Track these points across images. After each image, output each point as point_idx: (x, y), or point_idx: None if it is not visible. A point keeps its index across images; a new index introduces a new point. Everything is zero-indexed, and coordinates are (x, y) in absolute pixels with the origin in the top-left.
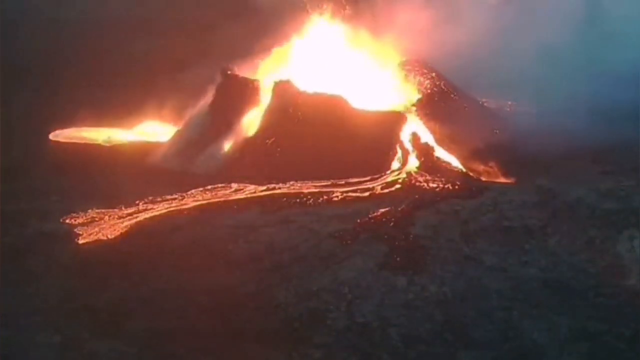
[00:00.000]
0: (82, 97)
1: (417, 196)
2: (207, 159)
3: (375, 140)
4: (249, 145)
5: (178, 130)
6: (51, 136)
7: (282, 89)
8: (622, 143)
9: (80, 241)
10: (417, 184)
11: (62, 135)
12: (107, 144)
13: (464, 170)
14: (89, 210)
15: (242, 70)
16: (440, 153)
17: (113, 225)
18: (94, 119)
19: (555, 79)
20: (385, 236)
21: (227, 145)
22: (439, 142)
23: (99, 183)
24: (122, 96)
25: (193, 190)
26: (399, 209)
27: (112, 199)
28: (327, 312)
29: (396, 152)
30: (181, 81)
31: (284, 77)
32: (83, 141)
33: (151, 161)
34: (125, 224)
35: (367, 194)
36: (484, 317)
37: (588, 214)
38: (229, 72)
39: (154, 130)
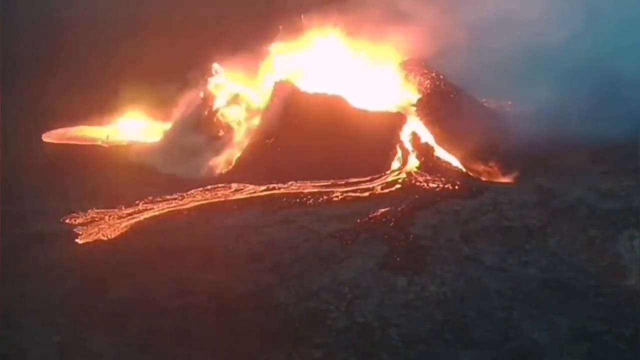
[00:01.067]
0: (72, 97)
1: (417, 196)
2: (198, 164)
3: (375, 140)
4: (249, 145)
5: (168, 132)
6: (44, 137)
7: (282, 89)
8: (622, 143)
9: (80, 241)
10: (417, 184)
11: (55, 135)
12: (105, 145)
13: (464, 170)
14: (89, 210)
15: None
16: (440, 153)
17: (113, 225)
18: (84, 117)
19: (555, 78)
20: (385, 236)
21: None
22: (439, 142)
23: (98, 183)
24: (110, 95)
25: (193, 190)
26: (399, 209)
27: (111, 199)
28: (327, 312)
29: (396, 152)
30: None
31: (284, 77)
32: (78, 142)
33: (141, 162)
34: (125, 224)
35: (367, 194)
36: (484, 317)
37: (588, 214)
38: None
39: (141, 128)
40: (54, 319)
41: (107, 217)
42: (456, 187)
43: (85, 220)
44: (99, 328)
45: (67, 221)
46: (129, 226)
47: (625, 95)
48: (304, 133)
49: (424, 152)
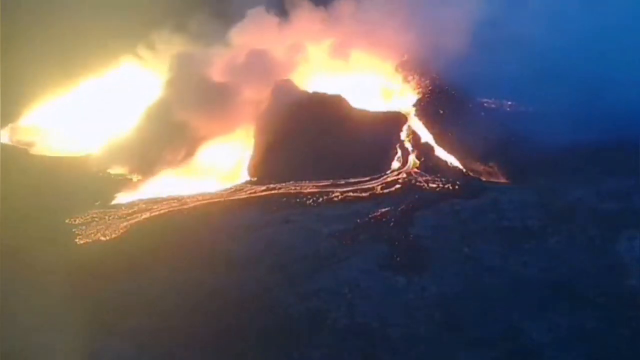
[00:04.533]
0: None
1: (417, 196)
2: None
3: (375, 140)
4: (249, 146)
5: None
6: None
7: (281, 88)
8: (622, 143)
9: (80, 241)
10: (417, 184)
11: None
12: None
13: (464, 170)
14: (89, 210)
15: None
16: (440, 153)
17: (113, 225)
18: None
19: (555, 79)
20: (385, 236)
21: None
22: (439, 142)
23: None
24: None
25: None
26: (399, 209)
27: (110, 199)
28: (327, 312)
29: (396, 152)
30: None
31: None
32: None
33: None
34: (125, 224)
35: (367, 194)
36: (484, 317)
37: (588, 214)
38: None
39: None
40: (54, 319)
41: (107, 217)
42: (456, 187)
43: (85, 220)
44: (99, 328)
45: (67, 221)
46: (128, 226)
47: (627, 94)
48: (304, 133)
49: (424, 152)
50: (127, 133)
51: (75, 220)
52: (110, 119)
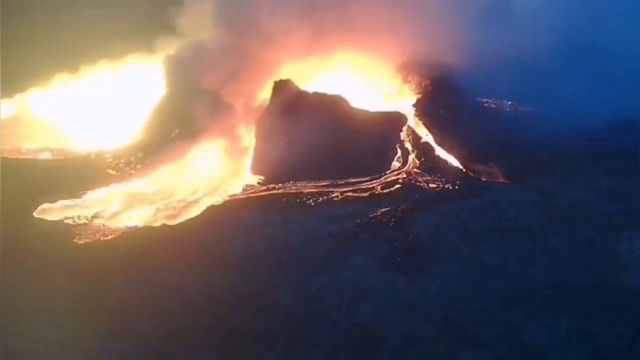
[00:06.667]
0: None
1: (417, 196)
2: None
3: (375, 140)
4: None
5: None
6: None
7: (282, 88)
8: (622, 143)
9: (80, 241)
10: (417, 184)
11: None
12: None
13: (464, 170)
14: (89, 210)
15: None
16: (440, 153)
17: (113, 225)
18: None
19: (556, 79)
20: (385, 236)
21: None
22: (439, 142)
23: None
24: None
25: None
26: (399, 209)
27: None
28: (327, 312)
29: (396, 152)
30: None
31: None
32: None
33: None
34: (125, 224)
35: (367, 194)
36: (484, 317)
37: (588, 214)
38: None
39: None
40: (54, 319)
41: (106, 217)
42: (456, 187)
43: (85, 220)
44: (98, 328)
45: (67, 221)
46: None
47: (627, 94)
48: (304, 133)
49: (424, 152)
50: (126, 134)
51: (75, 221)
52: (110, 119)
